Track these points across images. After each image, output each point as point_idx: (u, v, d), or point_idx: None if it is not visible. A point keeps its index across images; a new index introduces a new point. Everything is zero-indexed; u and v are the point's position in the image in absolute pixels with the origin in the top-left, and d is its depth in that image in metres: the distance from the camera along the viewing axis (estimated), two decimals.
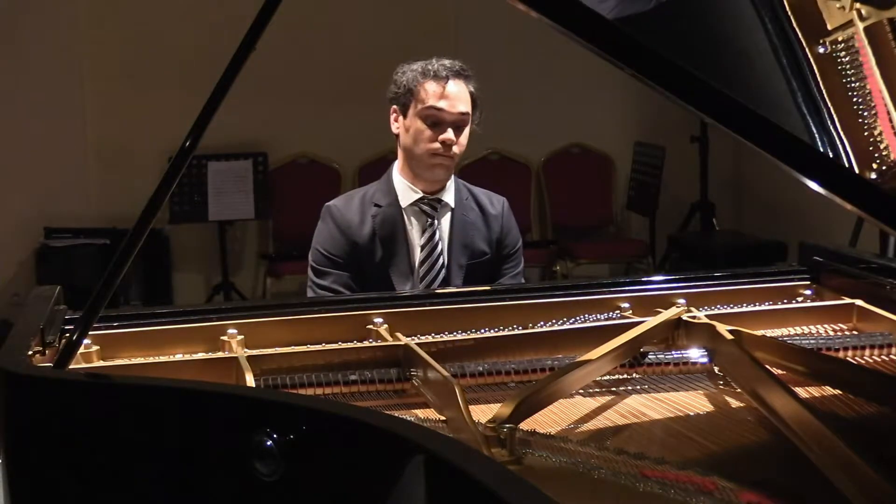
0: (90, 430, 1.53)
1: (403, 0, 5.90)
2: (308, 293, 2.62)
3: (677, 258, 5.94)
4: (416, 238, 2.61)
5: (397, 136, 2.62)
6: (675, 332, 2.01)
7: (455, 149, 2.54)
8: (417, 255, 2.60)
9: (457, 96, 2.53)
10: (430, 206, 2.62)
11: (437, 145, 2.52)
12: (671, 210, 6.08)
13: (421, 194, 2.61)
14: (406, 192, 2.61)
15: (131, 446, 1.51)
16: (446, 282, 2.59)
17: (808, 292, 2.28)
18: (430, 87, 2.52)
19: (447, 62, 2.56)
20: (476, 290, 2.33)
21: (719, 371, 1.90)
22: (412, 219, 2.62)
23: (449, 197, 2.63)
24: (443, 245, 2.61)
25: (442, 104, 2.52)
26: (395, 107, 2.60)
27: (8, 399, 1.59)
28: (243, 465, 1.38)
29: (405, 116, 2.57)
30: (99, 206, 5.67)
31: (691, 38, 1.60)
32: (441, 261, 2.60)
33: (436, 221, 2.61)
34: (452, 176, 2.64)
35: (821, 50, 1.69)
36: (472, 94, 2.56)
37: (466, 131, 2.57)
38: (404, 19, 5.84)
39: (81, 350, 1.83)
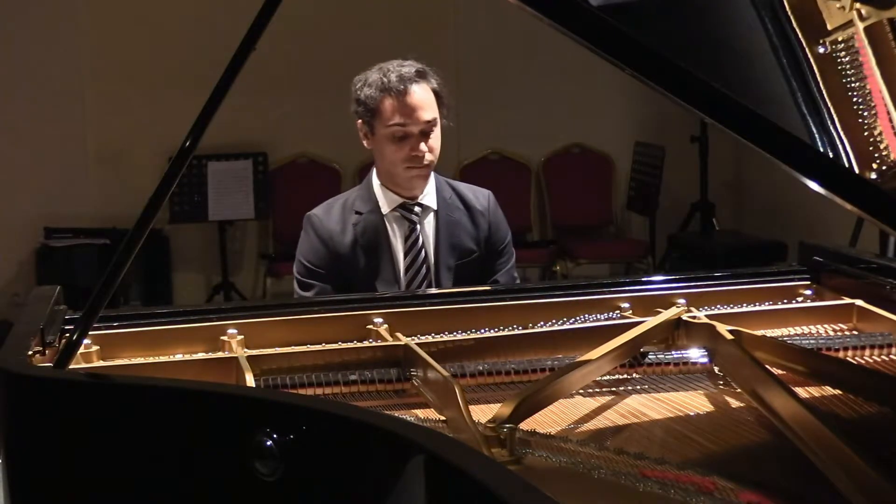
0: (90, 431, 1.53)
1: (403, 0, 5.90)
2: None
3: (677, 258, 5.95)
4: (399, 244, 2.57)
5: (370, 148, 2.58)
6: (675, 332, 2.01)
7: (428, 156, 2.48)
8: (401, 262, 2.56)
9: (419, 105, 2.45)
10: (411, 211, 2.57)
11: (409, 159, 2.47)
12: (671, 210, 6.09)
13: (401, 200, 2.56)
14: (386, 198, 2.56)
15: (131, 446, 1.51)
16: (436, 285, 2.56)
17: (808, 292, 2.28)
18: (391, 104, 2.44)
19: (403, 69, 2.46)
20: (476, 290, 2.32)
21: (719, 371, 1.90)
22: (394, 225, 2.57)
23: (430, 200, 2.59)
24: (428, 248, 2.57)
25: (406, 119, 2.45)
26: (360, 122, 2.53)
27: (8, 399, 1.59)
28: (243, 465, 1.38)
29: (373, 133, 2.51)
30: (99, 206, 5.67)
31: (691, 38, 1.60)
32: (426, 267, 2.56)
33: (418, 227, 2.57)
34: (432, 176, 2.59)
35: (821, 50, 1.69)
36: (435, 91, 2.49)
37: (437, 132, 2.50)
38: (404, 19, 5.85)
39: (81, 350, 1.83)
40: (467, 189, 2.67)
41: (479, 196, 2.67)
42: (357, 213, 2.57)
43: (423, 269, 2.56)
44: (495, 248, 2.66)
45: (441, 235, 2.58)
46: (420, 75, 2.48)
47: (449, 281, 2.57)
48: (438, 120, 2.50)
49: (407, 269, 2.56)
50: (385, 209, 2.57)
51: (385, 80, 2.45)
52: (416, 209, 2.58)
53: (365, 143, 2.57)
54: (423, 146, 2.47)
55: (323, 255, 2.55)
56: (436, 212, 2.59)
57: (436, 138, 2.51)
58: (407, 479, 1.23)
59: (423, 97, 2.47)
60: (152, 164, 5.32)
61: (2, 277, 5.65)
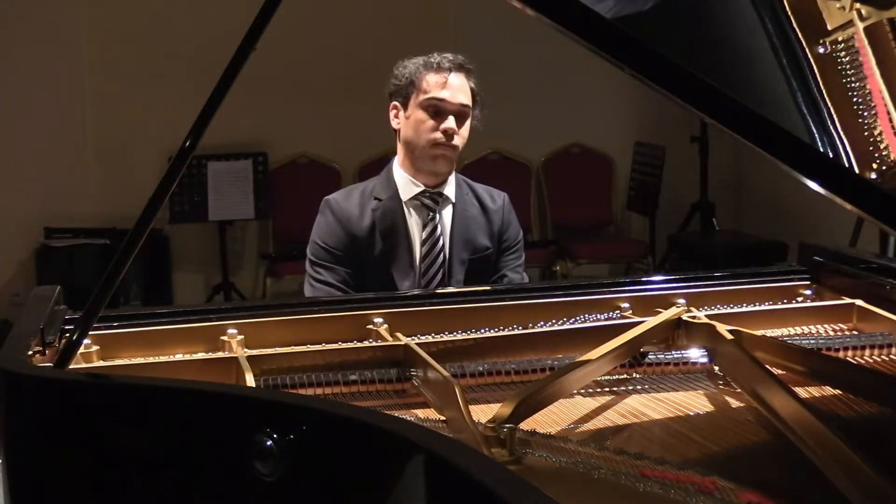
0: (90, 431, 1.53)
1: (403, 0, 5.90)
2: (305, 287, 2.60)
3: (677, 258, 5.95)
4: (417, 232, 2.60)
5: (397, 131, 2.62)
6: (675, 332, 2.01)
7: (457, 139, 2.54)
8: (418, 250, 2.59)
9: (458, 87, 2.54)
10: (431, 199, 2.61)
11: (439, 135, 2.52)
12: (671, 210, 6.09)
13: (422, 188, 2.60)
14: (407, 185, 2.60)
15: (131, 446, 1.51)
16: (448, 277, 2.58)
17: (808, 292, 2.28)
18: (432, 78, 2.53)
19: (449, 55, 2.57)
20: (476, 290, 2.32)
21: (719, 371, 1.90)
22: (413, 212, 2.60)
23: (450, 191, 2.62)
24: (445, 239, 2.60)
25: (444, 94, 2.52)
26: (395, 102, 2.60)
27: (8, 399, 1.59)
28: (243, 465, 1.38)
29: (406, 108, 2.57)
30: (99, 206, 5.67)
31: (691, 38, 1.60)
32: (443, 256, 2.59)
33: (437, 215, 2.60)
34: (452, 172, 2.64)
35: (821, 50, 1.69)
36: (472, 89, 2.57)
37: (468, 124, 2.57)
38: (404, 19, 5.85)
39: (81, 350, 1.83)
40: (484, 190, 2.72)
41: (495, 196, 2.72)
42: (377, 199, 2.60)
43: (440, 259, 2.59)
44: (507, 246, 2.70)
45: (456, 228, 2.62)
46: (465, 69, 2.57)
47: (461, 274, 2.60)
48: (471, 114, 2.57)
49: (424, 258, 2.58)
50: (405, 196, 2.60)
51: (432, 60, 2.56)
52: (437, 198, 2.60)
53: (394, 123, 2.61)
54: (453, 123, 2.52)
55: (339, 236, 2.57)
56: (453, 204, 2.63)
57: (466, 128, 2.58)
58: (407, 479, 1.23)
59: (462, 84, 2.56)
60: (152, 164, 5.32)
61: (2, 277, 5.66)
